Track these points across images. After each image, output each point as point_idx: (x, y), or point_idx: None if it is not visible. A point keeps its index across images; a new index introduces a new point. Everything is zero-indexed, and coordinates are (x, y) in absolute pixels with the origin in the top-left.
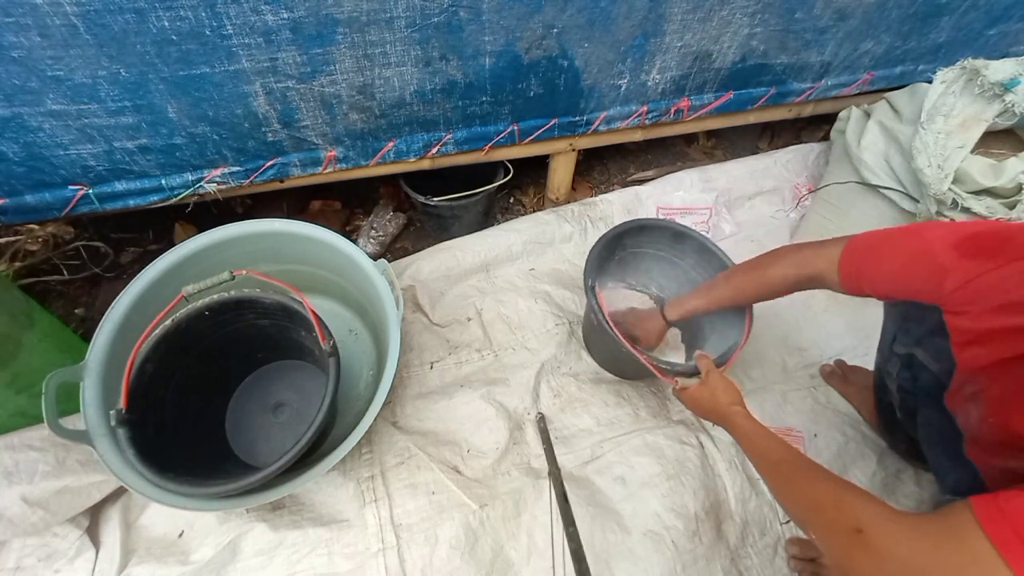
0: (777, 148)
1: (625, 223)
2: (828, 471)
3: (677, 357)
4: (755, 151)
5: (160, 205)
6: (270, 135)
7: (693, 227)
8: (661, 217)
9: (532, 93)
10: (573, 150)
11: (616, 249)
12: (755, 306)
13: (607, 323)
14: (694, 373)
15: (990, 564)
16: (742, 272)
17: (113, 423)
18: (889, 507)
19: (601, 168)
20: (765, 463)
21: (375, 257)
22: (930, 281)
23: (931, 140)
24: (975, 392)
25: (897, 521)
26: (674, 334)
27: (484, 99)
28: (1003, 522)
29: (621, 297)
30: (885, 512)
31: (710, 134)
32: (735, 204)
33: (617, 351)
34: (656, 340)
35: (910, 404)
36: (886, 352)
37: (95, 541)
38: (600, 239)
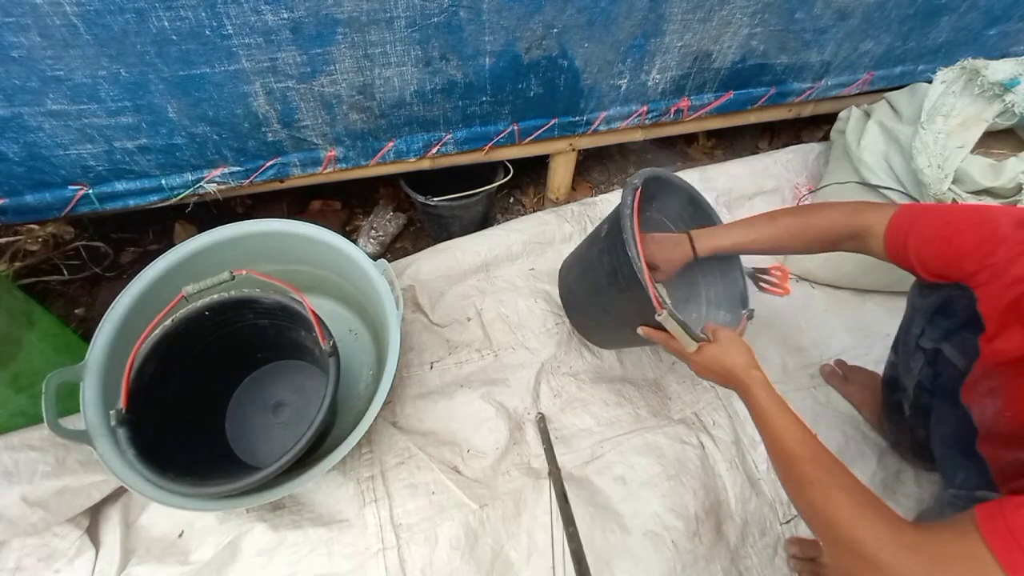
0: (777, 148)
1: (648, 170)
2: (843, 470)
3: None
4: (755, 151)
5: (160, 205)
6: (270, 135)
7: None
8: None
9: (532, 93)
10: (573, 150)
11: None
12: (754, 306)
13: (633, 232)
14: (693, 335)
15: None
16: (788, 214)
17: (113, 423)
18: (903, 528)
19: (601, 168)
20: (778, 449)
21: (375, 257)
22: (982, 247)
23: (931, 140)
24: (994, 387)
25: (908, 547)
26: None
27: (484, 99)
28: (1008, 536)
29: None
30: (898, 537)
31: (710, 134)
32: (735, 204)
33: (608, 296)
34: (674, 270)
35: (924, 402)
36: (910, 347)
37: (95, 541)
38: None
